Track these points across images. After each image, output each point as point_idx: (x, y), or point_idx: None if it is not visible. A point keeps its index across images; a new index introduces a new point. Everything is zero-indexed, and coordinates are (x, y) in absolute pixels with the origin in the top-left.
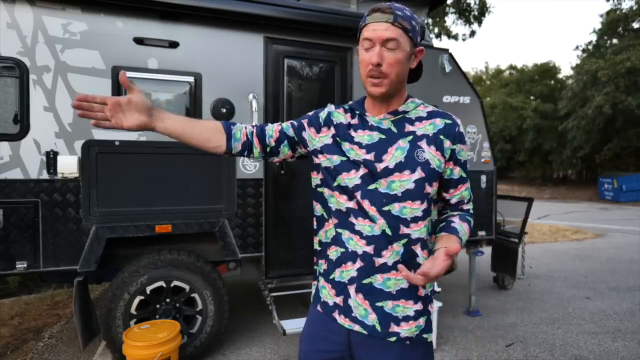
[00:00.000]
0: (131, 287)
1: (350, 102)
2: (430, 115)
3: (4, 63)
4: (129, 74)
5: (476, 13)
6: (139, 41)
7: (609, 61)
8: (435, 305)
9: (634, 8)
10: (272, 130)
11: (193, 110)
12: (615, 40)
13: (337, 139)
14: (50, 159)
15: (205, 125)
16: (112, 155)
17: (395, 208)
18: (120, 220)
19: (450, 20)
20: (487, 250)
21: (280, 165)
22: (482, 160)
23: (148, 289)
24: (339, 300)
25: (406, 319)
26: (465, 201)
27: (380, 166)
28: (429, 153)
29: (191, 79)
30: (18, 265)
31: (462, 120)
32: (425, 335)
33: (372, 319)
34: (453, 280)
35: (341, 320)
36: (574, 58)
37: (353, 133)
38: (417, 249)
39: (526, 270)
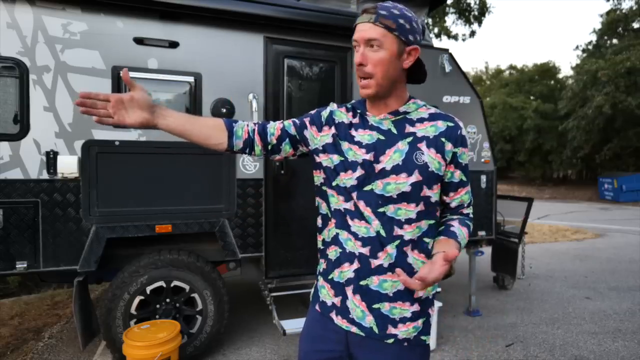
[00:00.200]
0: (131, 287)
1: (353, 102)
2: (432, 117)
3: (4, 63)
4: (130, 74)
5: (476, 13)
6: (139, 41)
7: (609, 61)
8: (435, 305)
9: (634, 8)
10: (274, 128)
11: (193, 110)
12: (615, 40)
13: (337, 138)
14: (50, 159)
15: (206, 123)
16: (112, 155)
17: (390, 210)
18: (120, 220)
19: (450, 20)
20: (487, 250)
21: (280, 165)
22: (482, 160)
23: (148, 289)
24: (337, 300)
25: (403, 320)
26: (465, 205)
27: (378, 167)
28: (428, 156)
29: (191, 79)
30: (18, 265)
31: (462, 121)
32: (423, 338)
33: (369, 320)
34: (453, 280)
35: (339, 321)
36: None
37: (354, 132)
38: (408, 250)
39: (526, 270)
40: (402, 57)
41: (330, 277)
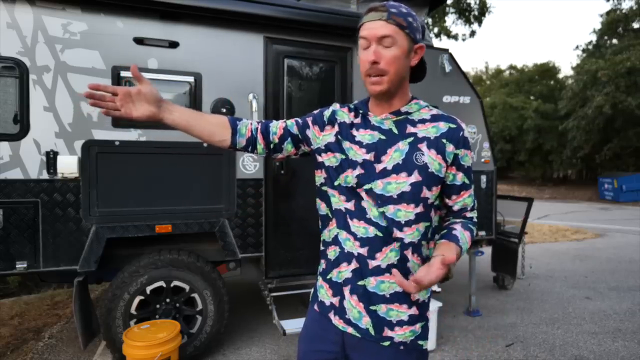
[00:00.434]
0: (131, 287)
1: (356, 102)
2: (434, 119)
3: (4, 63)
4: (129, 74)
5: (476, 13)
6: (139, 41)
7: (609, 61)
8: (435, 305)
9: (634, 8)
10: (276, 127)
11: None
12: (615, 41)
13: (339, 137)
14: (50, 159)
15: (211, 120)
16: (112, 155)
17: (389, 210)
18: (120, 220)
19: (450, 20)
20: (487, 250)
21: (280, 165)
22: (482, 160)
23: (148, 289)
24: (335, 300)
25: (400, 323)
26: (469, 208)
27: (379, 167)
28: (429, 156)
29: (191, 79)
30: (18, 265)
31: (462, 121)
32: (420, 342)
33: (365, 322)
34: (453, 280)
35: (336, 321)
36: (574, 58)
37: (355, 132)
38: (409, 253)
39: (526, 270)
40: (411, 55)
41: (329, 277)
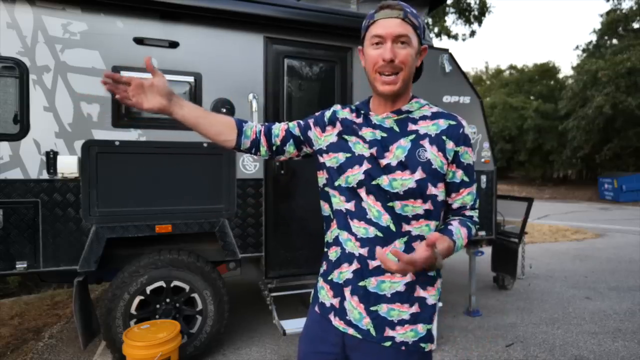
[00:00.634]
0: (131, 287)
1: (357, 103)
2: (435, 116)
3: (4, 63)
4: (129, 74)
5: (476, 13)
6: (139, 41)
7: (609, 61)
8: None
9: (634, 8)
10: (279, 129)
11: None
12: (615, 41)
13: (343, 135)
14: (50, 159)
15: (219, 119)
16: (112, 155)
17: (397, 206)
18: (120, 220)
19: (450, 20)
20: (487, 250)
21: (280, 165)
22: (482, 160)
23: (148, 289)
24: (335, 302)
25: (401, 322)
26: (468, 207)
27: (382, 162)
28: (431, 153)
29: (191, 79)
30: (18, 265)
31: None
32: (423, 345)
33: (366, 322)
34: (453, 280)
35: (336, 322)
36: (574, 58)
37: (358, 131)
38: (417, 246)
39: (526, 270)
40: (418, 56)
41: (329, 278)
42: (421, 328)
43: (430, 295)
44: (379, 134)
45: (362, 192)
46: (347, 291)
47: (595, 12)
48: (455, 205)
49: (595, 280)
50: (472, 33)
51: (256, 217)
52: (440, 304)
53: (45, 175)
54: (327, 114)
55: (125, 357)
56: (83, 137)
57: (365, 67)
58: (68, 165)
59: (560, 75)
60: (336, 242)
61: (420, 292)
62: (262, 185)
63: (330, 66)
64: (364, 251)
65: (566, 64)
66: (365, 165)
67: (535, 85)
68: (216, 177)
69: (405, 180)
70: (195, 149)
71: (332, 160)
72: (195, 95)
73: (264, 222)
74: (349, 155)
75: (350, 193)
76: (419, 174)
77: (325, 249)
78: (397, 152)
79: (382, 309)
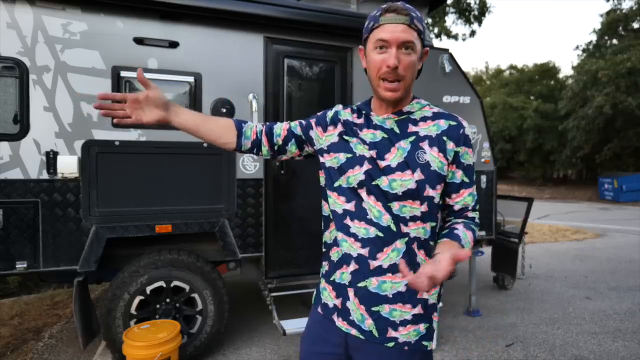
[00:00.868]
0: (131, 287)
1: (358, 103)
2: (436, 117)
3: (4, 63)
4: (129, 74)
5: (476, 13)
6: (139, 41)
7: (609, 61)
8: None
9: (634, 8)
10: (280, 129)
11: (193, 110)
12: (615, 41)
13: (344, 136)
14: (50, 159)
15: (217, 122)
16: (112, 155)
17: (395, 206)
18: (120, 220)
19: (450, 20)
20: (487, 250)
21: (280, 165)
22: (482, 160)
23: (148, 289)
24: (338, 302)
25: (404, 323)
26: (470, 208)
27: (382, 164)
28: (430, 154)
29: (191, 79)
30: (18, 265)
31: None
32: (425, 343)
33: (368, 324)
34: (453, 280)
35: (339, 323)
36: (574, 58)
37: (358, 132)
38: (415, 248)
39: (526, 270)
40: (420, 59)
41: (332, 278)
42: (422, 327)
43: (431, 295)
44: (379, 135)
45: (363, 193)
46: (350, 292)
47: (595, 12)
48: (457, 207)
49: (595, 280)
50: (472, 33)
51: (256, 217)
52: (440, 304)
53: (45, 175)
54: (329, 114)
55: (125, 357)
56: (83, 137)
57: (367, 69)
58: (68, 165)
59: (561, 75)
60: (336, 242)
61: (422, 293)
62: (262, 185)
63: (330, 66)
64: (364, 251)
65: (566, 64)
66: (366, 166)
67: (535, 85)
68: (216, 177)
69: (404, 181)
70: (195, 149)
71: (332, 160)
72: (195, 95)
73: (264, 222)
74: (349, 155)
75: (351, 193)
76: (417, 175)
77: (325, 249)
78: (397, 154)
79: (384, 309)
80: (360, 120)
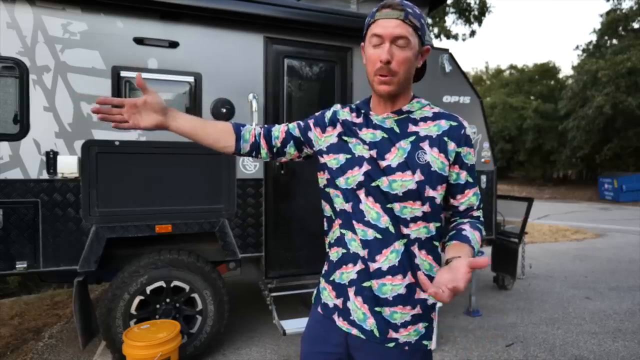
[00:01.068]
0: (131, 287)
1: (357, 102)
2: (436, 117)
3: (4, 63)
4: (129, 74)
5: (476, 13)
6: (139, 41)
7: (609, 61)
8: (436, 305)
9: (634, 8)
10: (279, 131)
11: (193, 110)
12: (615, 41)
13: (344, 137)
14: (50, 159)
15: (216, 126)
16: (112, 155)
17: (396, 207)
18: (120, 220)
19: (450, 20)
20: (487, 250)
21: (280, 165)
22: (482, 160)
23: (148, 289)
24: (338, 302)
25: (405, 324)
26: (475, 207)
27: (382, 164)
28: (431, 155)
29: (191, 79)
30: (18, 265)
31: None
32: (425, 343)
33: (370, 323)
34: None
35: (340, 322)
36: (574, 58)
37: (358, 131)
38: (415, 249)
39: (526, 270)
40: (419, 57)
41: (331, 278)
42: (422, 326)
43: (429, 296)
44: (379, 135)
45: (362, 194)
46: (351, 292)
47: (595, 12)
48: (462, 207)
49: (595, 280)
50: (472, 33)
51: (256, 217)
52: (439, 304)
53: (45, 175)
54: (328, 114)
55: (125, 357)
56: (83, 137)
57: (365, 64)
58: (68, 165)
59: (561, 75)
60: (338, 242)
61: (420, 295)
62: (262, 185)
63: (330, 66)
64: (364, 253)
65: (566, 64)
66: (365, 167)
67: (535, 85)
68: (216, 177)
69: (405, 182)
70: (195, 149)
71: (332, 161)
72: (195, 95)
73: (264, 222)
74: (349, 156)
75: (350, 194)
76: (418, 176)
77: (327, 249)
78: (397, 154)
79: (386, 311)
80: (359, 120)
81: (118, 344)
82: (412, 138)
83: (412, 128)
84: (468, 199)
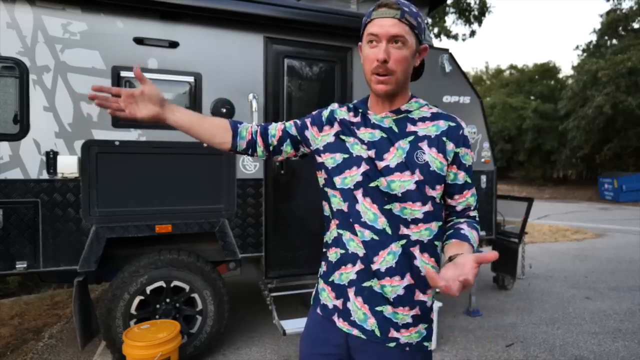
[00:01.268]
0: (131, 287)
1: (355, 101)
2: (434, 117)
3: (4, 63)
4: (129, 74)
5: (476, 13)
6: (139, 41)
7: (609, 61)
8: (435, 305)
9: (634, 8)
10: (275, 129)
11: (193, 110)
12: (615, 41)
13: (341, 136)
14: (50, 159)
15: (213, 122)
16: (112, 155)
17: (396, 208)
18: (120, 220)
19: (450, 20)
20: (487, 250)
21: (280, 165)
22: (482, 160)
23: (148, 289)
24: (338, 303)
25: (406, 325)
26: (472, 208)
27: (381, 164)
28: (430, 155)
29: (191, 79)
30: (18, 265)
31: (462, 121)
32: (425, 344)
33: (371, 323)
34: None
35: (340, 323)
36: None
37: (356, 130)
38: (416, 251)
39: (526, 270)
40: (416, 55)
41: (330, 279)
42: (423, 328)
43: (428, 298)
44: (378, 135)
45: (359, 194)
46: (350, 292)
47: (595, 12)
48: (459, 208)
49: (595, 280)
50: (472, 33)
51: (256, 217)
52: (440, 304)
53: (45, 175)
54: (325, 113)
55: (125, 357)
56: (83, 137)
57: (362, 64)
58: (68, 165)
59: (561, 75)
60: (335, 242)
61: (420, 296)
62: (262, 185)
63: (330, 66)
64: (362, 254)
65: (566, 64)
66: (364, 167)
67: (535, 85)
68: (216, 177)
69: (404, 182)
70: (195, 149)
71: (329, 160)
72: (195, 95)
73: (264, 222)
74: (346, 156)
75: (347, 194)
76: (417, 176)
77: (325, 250)
78: (396, 154)
79: (387, 310)
80: (357, 119)
81: (118, 344)
82: (410, 138)
83: (410, 128)
84: (466, 199)
